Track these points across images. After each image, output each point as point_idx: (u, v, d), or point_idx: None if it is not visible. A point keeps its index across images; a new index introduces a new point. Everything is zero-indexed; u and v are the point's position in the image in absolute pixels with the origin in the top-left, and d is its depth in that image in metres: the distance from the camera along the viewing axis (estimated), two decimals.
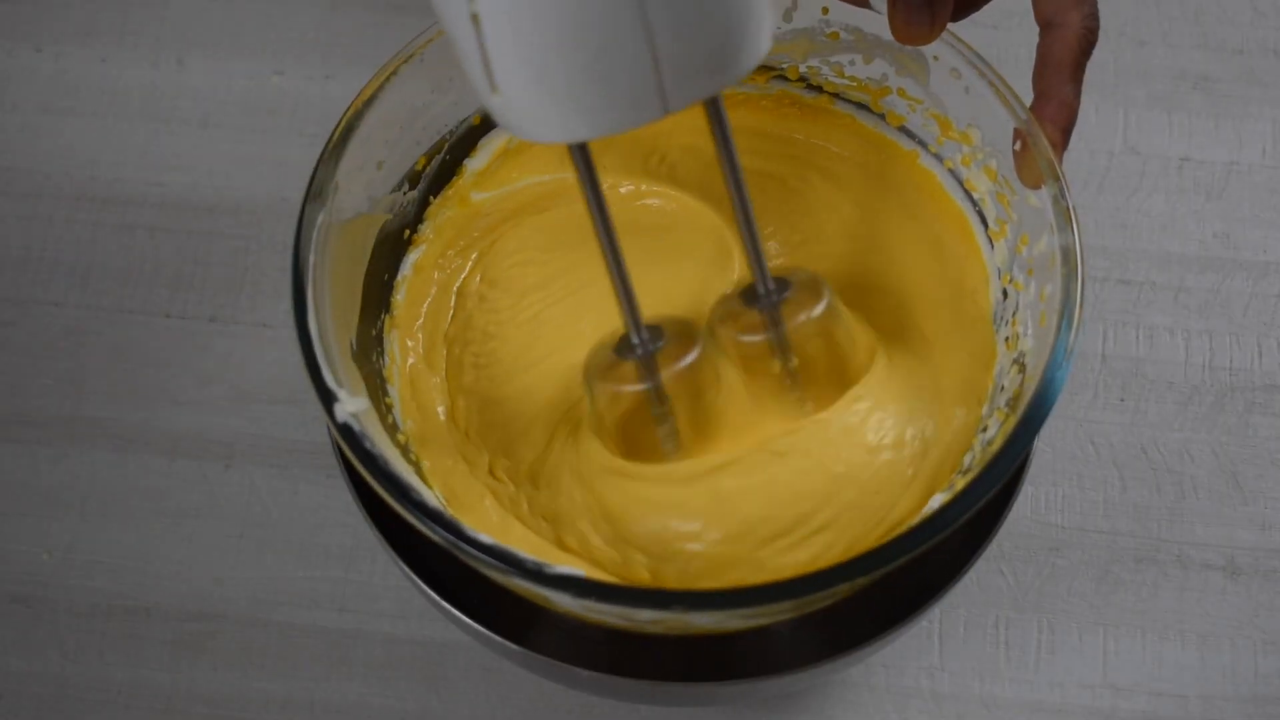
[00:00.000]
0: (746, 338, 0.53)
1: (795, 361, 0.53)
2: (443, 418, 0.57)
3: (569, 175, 0.61)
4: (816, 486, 0.53)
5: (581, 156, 0.45)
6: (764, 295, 0.51)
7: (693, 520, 0.52)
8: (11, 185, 0.78)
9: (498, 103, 0.42)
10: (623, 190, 0.61)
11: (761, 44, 0.42)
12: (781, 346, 0.52)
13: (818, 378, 0.54)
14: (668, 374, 0.51)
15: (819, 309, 0.52)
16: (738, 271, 0.59)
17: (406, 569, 0.53)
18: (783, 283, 0.52)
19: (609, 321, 0.53)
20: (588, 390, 0.53)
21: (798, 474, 0.53)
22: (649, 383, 0.51)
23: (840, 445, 0.53)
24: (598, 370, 0.53)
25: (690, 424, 0.54)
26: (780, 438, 0.53)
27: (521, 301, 0.59)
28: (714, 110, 0.46)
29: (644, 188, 0.61)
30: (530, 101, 0.41)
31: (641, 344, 0.51)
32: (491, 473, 0.56)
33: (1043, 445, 0.70)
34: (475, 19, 0.40)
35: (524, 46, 0.40)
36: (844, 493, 0.53)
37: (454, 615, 0.53)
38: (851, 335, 0.54)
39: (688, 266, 0.59)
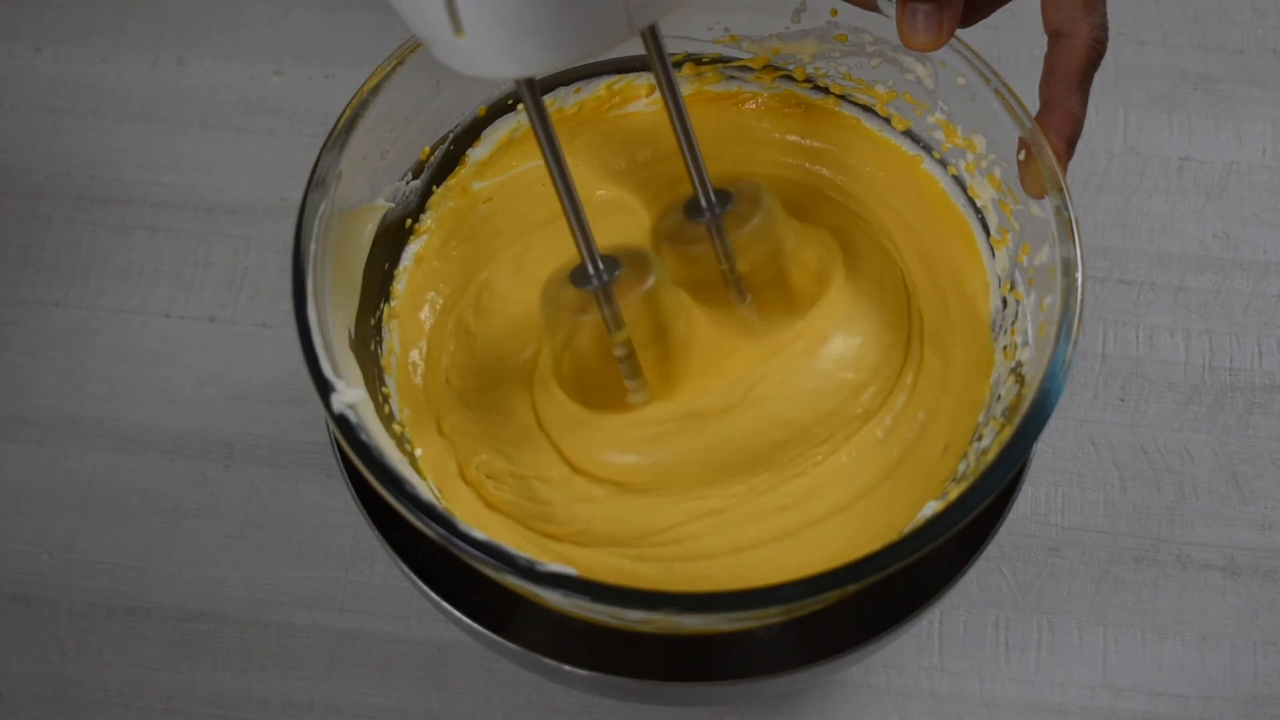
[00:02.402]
0: (691, 249, 0.54)
1: (742, 276, 0.54)
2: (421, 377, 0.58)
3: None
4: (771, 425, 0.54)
5: (530, 88, 0.46)
6: (706, 208, 0.52)
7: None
8: (11, 185, 0.78)
9: (461, 45, 0.42)
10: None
11: None
12: (728, 260, 0.53)
13: (774, 297, 0.55)
14: (626, 302, 0.52)
15: (759, 215, 0.53)
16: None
17: (406, 569, 0.53)
18: (724, 195, 0.53)
19: None
20: (544, 323, 0.53)
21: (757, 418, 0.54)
22: (607, 311, 0.52)
23: (796, 385, 0.54)
24: (554, 300, 0.53)
25: (653, 360, 0.54)
26: (736, 383, 0.54)
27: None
28: (651, 33, 0.48)
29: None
30: (500, 37, 0.41)
31: (597, 273, 0.51)
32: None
33: (1043, 445, 0.70)
34: None
35: None
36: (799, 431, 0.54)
37: (454, 615, 0.53)
38: (802, 245, 0.56)
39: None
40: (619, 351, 0.53)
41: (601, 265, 0.51)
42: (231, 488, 0.70)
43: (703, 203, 0.53)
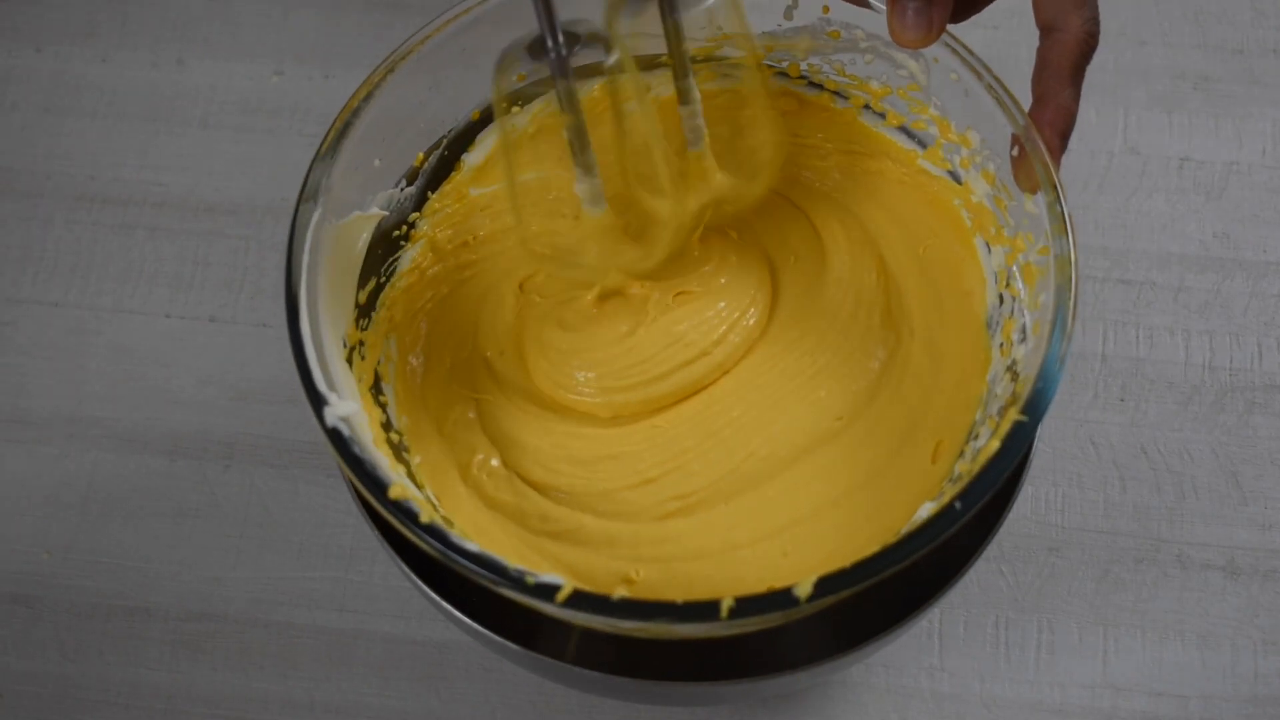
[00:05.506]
0: (649, 31, 0.52)
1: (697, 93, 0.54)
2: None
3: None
4: None
5: None
6: None
7: None
8: (11, 185, 0.78)
9: None
10: None
11: None
12: (677, 44, 0.53)
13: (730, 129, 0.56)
14: (583, 84, 0.51)
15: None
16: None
17: (406, 569, 0.53)
18: None
19: None
20: (496, 97, 0.52)
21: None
22: (561, 87, 0.50)
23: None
24: (506, 71, 0.51)
25: (611, 161, 0.54)
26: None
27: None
28: None
29: None
30: None
31: (555, 45, 0.49)
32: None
33: (1043, 445, 0.70)
34: None
35: None
36: None
37: (454, 615, 0.53)
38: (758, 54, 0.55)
39: None
40: (569, 135, 0.52)
41: (561, 39, 0.49)
42: (231, 488, 0.70)
43: None
